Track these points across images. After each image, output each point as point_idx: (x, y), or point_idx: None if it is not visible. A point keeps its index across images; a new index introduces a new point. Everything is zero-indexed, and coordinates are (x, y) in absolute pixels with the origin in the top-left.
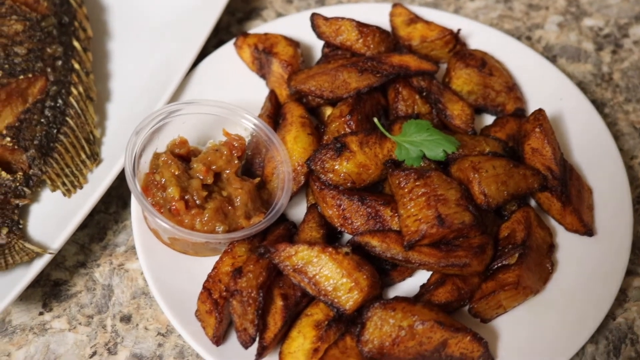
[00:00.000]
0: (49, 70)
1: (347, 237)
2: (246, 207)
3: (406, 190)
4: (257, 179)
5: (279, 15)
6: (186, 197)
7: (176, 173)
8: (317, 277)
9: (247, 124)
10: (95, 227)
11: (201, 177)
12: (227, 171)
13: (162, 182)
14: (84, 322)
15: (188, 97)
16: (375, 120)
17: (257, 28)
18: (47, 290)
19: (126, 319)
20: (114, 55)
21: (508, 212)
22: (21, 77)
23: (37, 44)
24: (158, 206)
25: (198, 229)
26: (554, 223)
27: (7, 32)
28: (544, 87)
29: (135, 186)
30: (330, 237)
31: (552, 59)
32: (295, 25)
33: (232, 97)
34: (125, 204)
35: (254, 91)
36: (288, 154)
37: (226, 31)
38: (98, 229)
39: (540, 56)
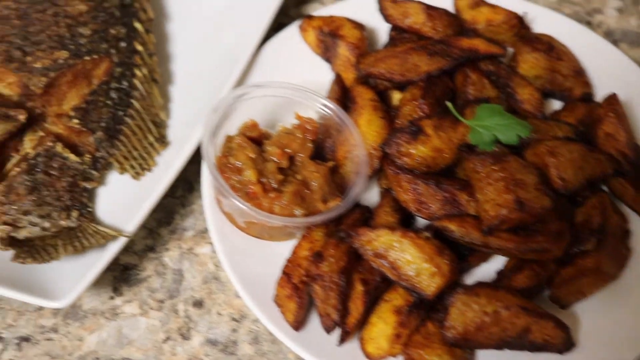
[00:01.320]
0: (113, 51)
1: (421, 221)
2: (322, 191)
3: (483, 174)
4: (332, 163)
5: None
6: (263, 180)
7: (251, 156)
8: (398, 261)
9: (319, 107)
10: (162, 211)
11: (276, 160)
12: (301, 155)
13: (238, 165)
14: (155, 306)
15: (253, 80)
16: (449, 104)
17: (318, 11)
18: (117, 274)
19: (198, 304)
20: (174, 38)
21: (580, 197)
22: (86, 58)
23: (100, 24)
24: (234, 190)
25: (277, 212)
26: (626, 209)
27: (72, 12)
28: (610, 71)
29: (214, 168)
30: (403, 222)
31: (614, 44)
32: (355, 8)
33: (296, 80)
34: (191, 187)
35: (318, 74)
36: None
37: (284, 14)
38: (165, 213)
39: (604, 40)
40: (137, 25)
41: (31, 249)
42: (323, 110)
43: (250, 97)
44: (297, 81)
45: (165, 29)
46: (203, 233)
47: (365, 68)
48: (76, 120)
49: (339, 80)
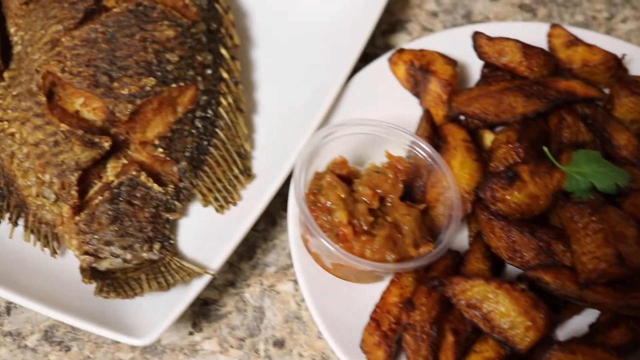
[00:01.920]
0: (199, 79)
1: (510, 268)
2: (414, 235)
3: (580, 225)
4: (423, 205)
5: (424, 28)
6: (353, 222)
7: (342, 196)
8: (492, 313)
9: (410, 146)
10: (243, 244)
11: (367, 201)
12: (391, 196)
13: (328, 205)
14: (235, 344)
15: (340, 112)
16: (546, 149)
17: (408, 43)
18: (197, 309)
19: (279, 343)
20: (260, 66)
21: None
22: (173, 85)
23: (187, 51)
24: (323, 229)
25: (368, 257)
26: None
27: (160, 37)
28: None
29: (306, 208)
30: (494, 269)
31: None
32: (445, 42)
33: (383, 113)
34: (274, 221)
35: (405, 109)
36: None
37: (371, 43)
38: (247, 247)
39: None
40: (223, 51)
41: (114, 282)
42: (415, 150)
43: (339, 136)
44: (384, 114)
45: (250, 56)
46: (285, 270)
47: (458, 107)
48: (161, 150)
49: (428, 117)
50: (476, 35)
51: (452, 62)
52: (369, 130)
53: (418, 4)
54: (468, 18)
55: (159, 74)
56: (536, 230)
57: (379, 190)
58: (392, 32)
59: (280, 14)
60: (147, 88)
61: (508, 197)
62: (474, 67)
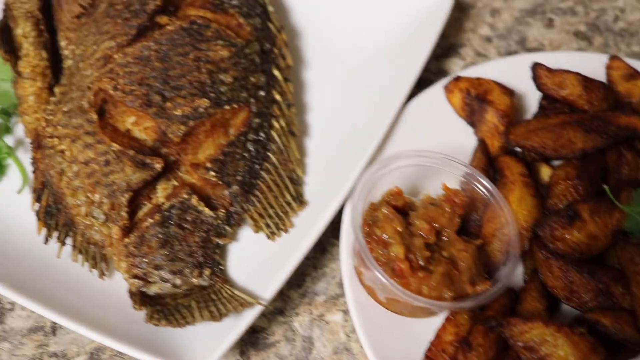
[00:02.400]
0: (252, 100)
1: (565, 308)
2: (470, 272)
3: None
4: (480, 241)
5: (478, 54)
6: (410, 257)
7: (399, 229)
8: (550, 357)
9: (466, 179)
10: (293, 272)
11: (424, 235)
12: (448, 230)
13: (384, 238)
14: None
15: (395, 138)
16: (606, 188)
17: (465, 71)
18: (245, 337)
19: None
20: (311, 87)
21: None
22: (226, 107)
23: (241, 72)
24: (378, 263)
25: (425, 294)
26: None
27: (214, 57)
28: None
29: (364, 240)
30: (550, 308)
31: None
32: (501, 70)
33: (437, 141)
34: (324, 249)
35: (458, 137)
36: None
37: (424, 68)
38: (296, 275)
39: None
40: (276, 72)
41: (164, 309)
42: (471, 182)
43: (395, 168)
44: (438, 142)
45: (302, 78)
46: (334, 299)
47: (516, 140)
48: (213, 173)
49: (483, 147)
50: (536, 67)
51: (509, 92)
52: (424, 162)
53: (472, 29)
54: (522, 44)
55: (212, 95)
56: (595, 271)
57: (435, 224)
58: (446, 57)
59: (334, 35)
60: (201, 110)
61: (567, 236)
62: (531, 97)
